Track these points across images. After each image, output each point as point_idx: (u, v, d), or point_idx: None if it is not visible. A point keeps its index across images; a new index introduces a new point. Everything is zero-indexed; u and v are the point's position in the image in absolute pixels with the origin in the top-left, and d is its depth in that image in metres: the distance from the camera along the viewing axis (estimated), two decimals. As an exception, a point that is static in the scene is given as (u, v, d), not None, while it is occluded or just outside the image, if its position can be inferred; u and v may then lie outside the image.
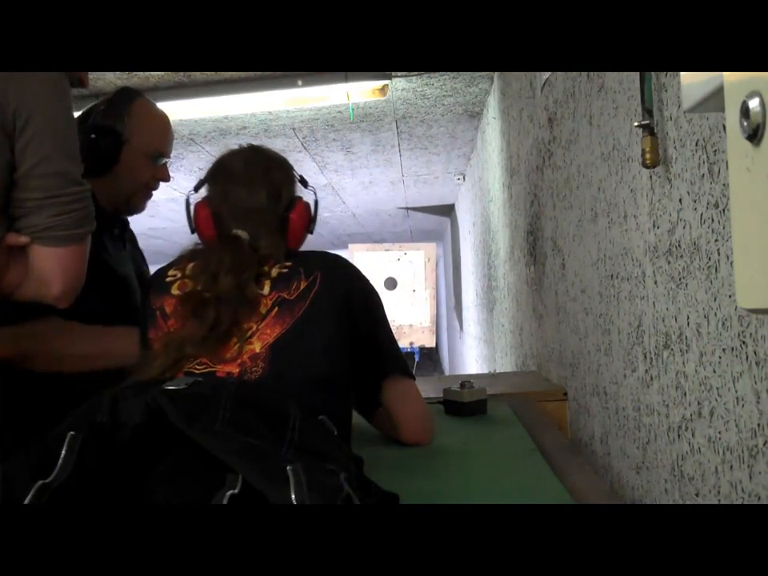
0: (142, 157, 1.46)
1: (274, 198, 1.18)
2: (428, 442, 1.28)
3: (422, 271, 8.61)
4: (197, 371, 0.99)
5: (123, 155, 1.43)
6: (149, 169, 1.48)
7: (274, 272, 1.09)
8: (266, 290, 1.07)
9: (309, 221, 1.22)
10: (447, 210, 7.00)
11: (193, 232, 1.19)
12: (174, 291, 1.09)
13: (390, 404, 1.22)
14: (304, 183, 1.26)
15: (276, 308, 1.05)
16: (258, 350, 1.01)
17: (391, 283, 8.51)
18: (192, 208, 1.19)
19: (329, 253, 1.21)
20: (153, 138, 1.49)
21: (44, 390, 1.29)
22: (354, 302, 1.12)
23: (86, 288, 1.21)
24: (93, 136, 1.40)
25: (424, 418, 1.26)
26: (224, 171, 1.21)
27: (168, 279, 1.12)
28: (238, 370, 0.99)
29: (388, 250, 8.56)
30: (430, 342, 8.97)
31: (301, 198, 1.23)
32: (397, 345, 1.24)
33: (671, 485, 1.10)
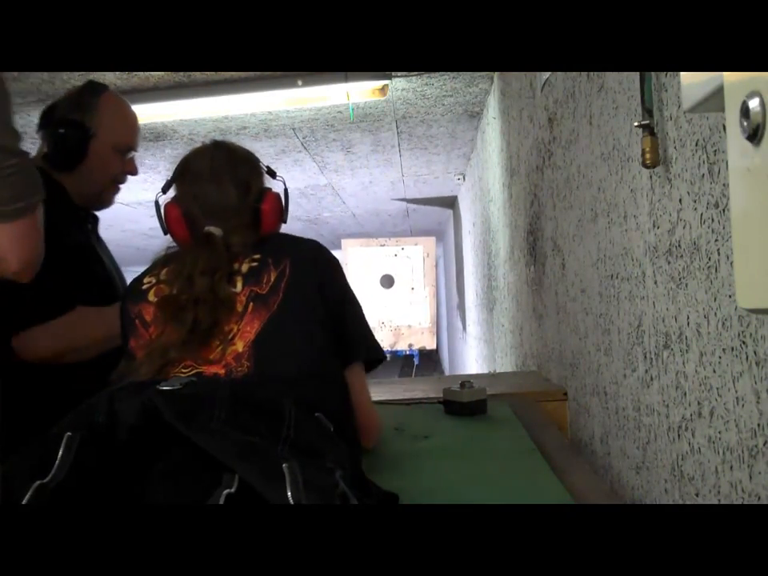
0: (110, 151, 1.45)
1: (243, 192, 1.16)
2: (375, 441, 1.22)
3: (421, 267, 7.65)
4: (183, 374, 0.97)
5: (91, 149, 1.42)
6: (118, 163, 1.48)
7: (245, 267, 1.08)
8: (239, 287, 1.06)
9: (281, 211, 1.21)
10: (450, 202, 6.80)
11: (166, 233, 1.18)
12: (151, 298, 1.07)
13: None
14: (272, 174, 1.25)
15: (251, 304, 1.04)
16: (240, 350, 1.00)
17: (388, 281, 7.57)
18: (162, 209, 1.18)
19: (297, 237, 1.19)
20: (121, 131, 1.48)
21: (43, 390, 1.29)
22: (325, 283, 1.11)
23: (79, 282, 1.21)
24: (61, 130, 1.39)
25: (374, 411, 1.21)
26: (190, 170, 1.19)
27: (144, 287, 1.10)
28: (223, 371, 0.98)
29: (383, 245, 7.59)
30: (430, 344, 8.13)
31: (270, 189, 1.21)
32: (367, 328, 1.20)
33: (671, 485, 1.10)
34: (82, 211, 1.48)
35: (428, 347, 8.37)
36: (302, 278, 1.08)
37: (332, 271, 1.16)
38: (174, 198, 1.18)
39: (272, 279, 1.06)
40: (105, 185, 1.48)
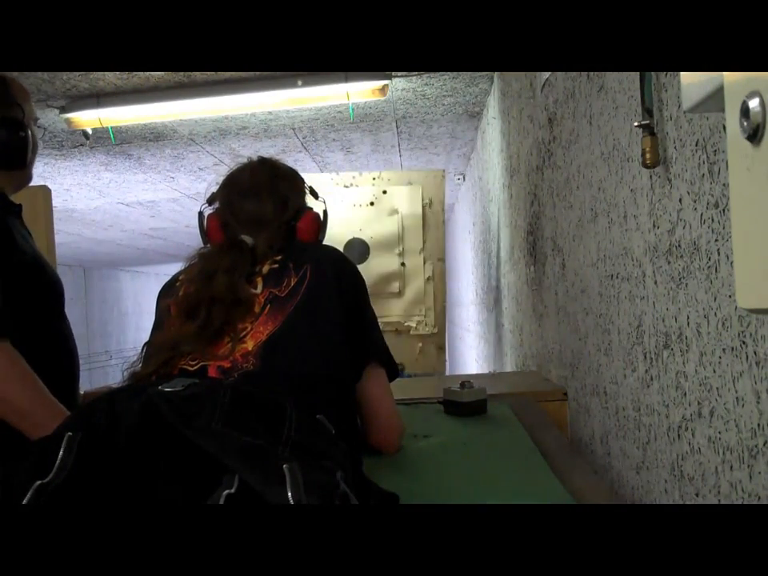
0: (33, 130, 1.43)
1: (280, 208, 1.20)
2: (396, 447, 1.23)
3: (419, 224, 3.64)
4: (190, 367, 1.00)
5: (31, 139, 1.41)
6: (36, 137, 1.46)
7: (265, 269, 1.11)
8: (259, 288, 1.09)
9: (317, 230, 1.24)
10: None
11: (205, 243, 1.22)
12: (180, 294, 1.12)
13: (364, 393, 1.15)
14: (314, 194, 1.29)
15: (268, 305, 1.06)
16: (250, 348, 1.02)
17: (359, 250, 3.57)
18: (205, 220, 1.23)
19: (317, 244, 1.23)
20: (32, 108, 1.46)
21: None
22: (344, 290, 1.13)
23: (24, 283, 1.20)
24: (4, 132, 1.35)
25: (397, 416, 1.23)
26: (232, 184, 1.24)
27: (177, 284, 1.15)
28: (229, 366, 1.00)
29: (349, 186, 3.65)
30: (435, 364, 3.76)
31: (311, 208, 1.26)
32: (380, 330, 1.22)
33: (671, 485, 1.10)
34: (15, 207, 1.41)
35: (432, 369, 3.91)
36: (321, 283, 1.10)
37: (351, 279, 1.18)
38: (215, 210, 1.24)
39: (292, 283, 1.09)
40: (34, 163, 1.46)
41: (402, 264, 3.51)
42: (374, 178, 3.59)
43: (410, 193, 3.56)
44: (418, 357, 3.51)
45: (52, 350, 1.33)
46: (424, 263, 3.54)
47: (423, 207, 3.58)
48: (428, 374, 3.72)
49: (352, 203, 3.54)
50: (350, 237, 3.61)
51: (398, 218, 3.55)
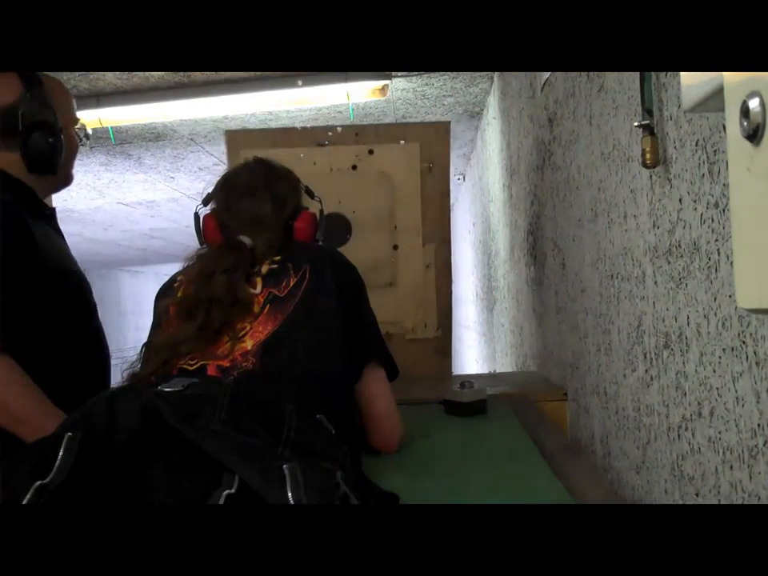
0: (71, 133, 1.42)
1: (278, 208, 1.21)
2: (396, 447, 1.23)
3: (416, 194, 2.43)
4: (189, 366, 1.00)
5: (64, 142, 1.39)
6: (76, 139, 1.45)
7: (264, 268, 1.11)
8: (258, 288, 1.09)
9: (314, 229, 1.24)
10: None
11: (202, 244, 1.23)
12: (179, 294, 1.12)
13: (364, 393, 1.16)
14: (310, 194, 1.29)
15: (268, 305, 1.06)
16: (249, 348, 1.02)
17: (337, 227, 2.29)
18: (201, 221, 1.23)
19: (316, 245, 1.23)
20: (71, 110, 1.44)
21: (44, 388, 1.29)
22: (343, 290, 1.13)
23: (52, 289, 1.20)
24: (36, 135, 1.32)
25: (397, 416, 1.23)
26: (229, 184, 1.24)
27: (176, 284, 1.15)
28: (228, 365, 1.00)
29: (324, 144, 2.42)
30: (439, 364, 2.40)
31: (307, 208, 1.26)
32: (379, 330, 1.22)
33: (671, 485, 1.10)
34: (47, 210, 1.41)
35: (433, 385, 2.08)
36: (320, 283, 1.10)
37: (350, 279, 1.18)
38: (212, 211, 1.24)
39: (291, 283, 1.09)
40: (72, 165, 1.45)
41: (395, 247, 2.51)
42: (356, 134, 2.54)
43: (405, 153, 2.52)
44: (416, 367, 2.28)
45: (81, 354, 1.33)
46: (422, 245, 2.52)
47: (422, 171, 2.52)
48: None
49: (328, 167, 2.51)
50: (326, 211, 2.00)
51: (389, 185, 2.51)
